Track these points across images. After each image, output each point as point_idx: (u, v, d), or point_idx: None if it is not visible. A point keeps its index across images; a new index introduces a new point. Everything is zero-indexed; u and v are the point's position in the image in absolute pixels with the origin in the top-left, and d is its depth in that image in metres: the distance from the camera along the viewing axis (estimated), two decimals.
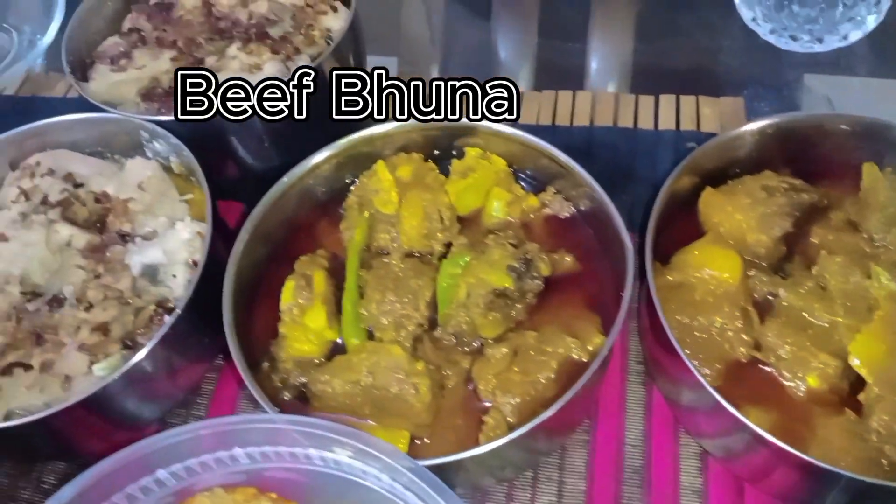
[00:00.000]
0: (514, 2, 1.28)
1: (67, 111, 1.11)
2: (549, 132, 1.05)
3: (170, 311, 0.82)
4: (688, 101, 1.08)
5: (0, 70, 1.19)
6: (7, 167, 0.95)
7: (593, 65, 1.21)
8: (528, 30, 1.25)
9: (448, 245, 0.84)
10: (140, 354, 0.73)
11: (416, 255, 0.84)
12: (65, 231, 0.85)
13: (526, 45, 1.25)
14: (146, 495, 0.65)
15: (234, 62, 1.00)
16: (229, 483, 0.67)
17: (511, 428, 0.69)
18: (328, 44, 1.05)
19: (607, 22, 1.25)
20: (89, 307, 0.81)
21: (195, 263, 0.83)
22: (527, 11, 1.27)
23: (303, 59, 1.01)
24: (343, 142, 0.88)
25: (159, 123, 0.90)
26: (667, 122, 1.07)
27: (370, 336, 0.79)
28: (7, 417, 0.75)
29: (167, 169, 0.94)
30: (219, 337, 0.75)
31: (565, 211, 0.86)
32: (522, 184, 0.89)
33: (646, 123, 1.07)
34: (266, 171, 0.99)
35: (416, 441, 0.72)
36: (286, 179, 0.85)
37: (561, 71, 1.19)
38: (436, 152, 0.91)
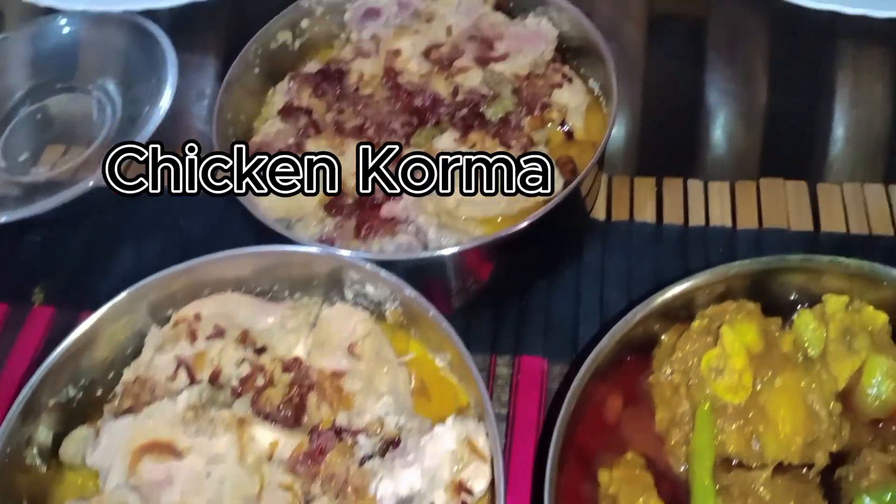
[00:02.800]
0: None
1: (197, 210, 0.88)
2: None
3: None
4: None
5: (93, 151, 0.93)
6: (147, 316, 0.70)
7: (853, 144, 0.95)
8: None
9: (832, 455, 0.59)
10: None
11: (787, 468, 0.59)
12: (265, 436, 0.60)
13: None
14: None
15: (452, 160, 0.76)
16: None
17: None
18: (563, 128, 0.81)
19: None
20: None
21: (462, 487, 0.58)
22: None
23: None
24: (659, 298, 0.63)
25: (383, 264, 0.65)
26: None
27: None
28: None
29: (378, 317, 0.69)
30: None
31: None
32: None
33: None
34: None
35: None
36: (608, 338, 0.60)
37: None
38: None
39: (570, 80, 0.81)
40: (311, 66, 0.86)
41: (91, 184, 0.87)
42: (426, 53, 0.86)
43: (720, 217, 0.83)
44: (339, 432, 0.62)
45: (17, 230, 0.88)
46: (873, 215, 0.82)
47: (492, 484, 0.59)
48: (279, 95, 0.85)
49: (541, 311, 0.77)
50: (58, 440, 0.65)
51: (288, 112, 0.81)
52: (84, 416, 0.66)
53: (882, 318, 0.64)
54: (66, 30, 1.02)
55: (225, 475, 0.58)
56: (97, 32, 1.03)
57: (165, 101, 0.93)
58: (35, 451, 0.63)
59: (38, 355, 0.78)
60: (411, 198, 0.72)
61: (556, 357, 0.74)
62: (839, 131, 0.92)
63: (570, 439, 0.61)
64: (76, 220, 0.88)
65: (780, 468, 0.59)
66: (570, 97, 0.80)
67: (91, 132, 0.97)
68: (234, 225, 0.84)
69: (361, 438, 0.62)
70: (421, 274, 0.69)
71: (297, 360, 0.66)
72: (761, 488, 0.57)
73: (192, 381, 0.64)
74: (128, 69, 1.00)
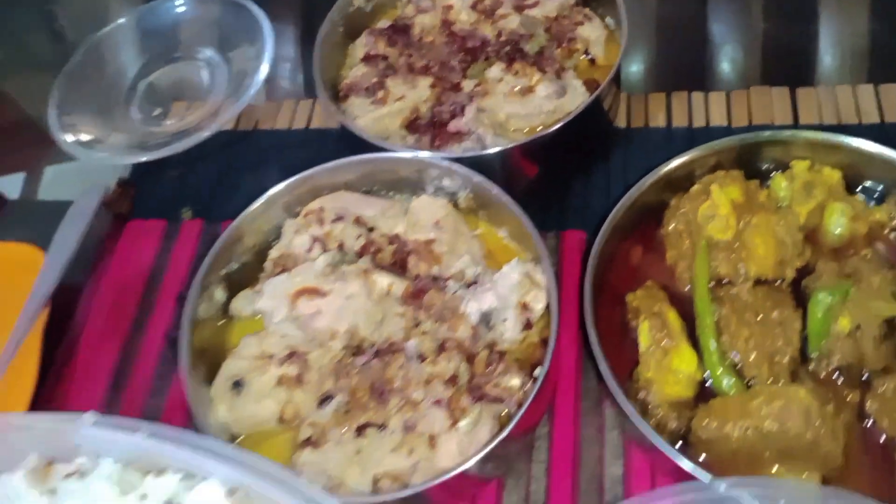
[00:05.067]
0: None
1: (299, 142, 1.14)
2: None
3: (501, 355, 0.83)
4: None
5: (210, 105, 1.20)
6: (282, 212, 0.96)
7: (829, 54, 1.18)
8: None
9: (798, 270, 0.83)
10: (521, 410, 0.74)
11: (765, 282, 0.83)
12: (383, 280, 0.86)
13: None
14: None
15: (501, 85, 1.00)
16: None
17: None
18: (587, 56, 1.05)
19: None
20: (424, 358, 0.82)
21: (526, 307, 0.84)
22: None
23: (571, 77, 1.00)
24: (664, 168, 0.87)
25: (456, 161, 0.90)
26: None
27: (740, 374, 0.78)
28: (375, 483, 0.76)
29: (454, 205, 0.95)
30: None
31: None
32: (861, 196, 0.88)
33: None
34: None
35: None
36: (626, 199, 0.86)
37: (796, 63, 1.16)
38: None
39: (589, 19, 1.05)
40: (383, 23, 1.12)
41: (207, 133, 1.13)
42: (473, 6, 1.11)
43: (719, 119, 1.06)
44: (434, 279, 0.88)
45: (160, 167, 1.15)
46: (843, 110, 1.04)
47: (547, 308, 0.84)
48: (359, 48, 1.11)
49: (578, 202, 1.02)
50: (227, 302, 0.92)
51: (369, 59, 1.07)
52: (245, 284, 0.94)
53: (837, 174, 0.87)
54: (176, 10, 1.29)
55: (359, 307, 0.84)
56: (199, 9, 1.29)
57: (265, 63, 1.19)
58: (213, 309, 0.90)
59: (195, 256, 1.06)
60: (471, 113, 0.97)
61: (592, 231, 0.99)
62: (816, 49, 1.14)
63: (604, 281, 0.86)
64: (206, 156, 1.15)
65: (759, 283, 0.83)
66: (591, 32, 1.04)
67: (204, 92, 1.23)
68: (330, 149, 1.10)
69: (450, 283, 0.88)
70: (482, 168, 0.93)
71: (397, 236, 0.92)
72: (745, 295, 0.81)
73: (325, 250, 0.91)
74: (227, 38, 1.26)
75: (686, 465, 0.69)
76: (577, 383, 0.89)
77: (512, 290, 0.83)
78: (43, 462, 0.73)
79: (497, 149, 0.93)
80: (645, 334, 0.79)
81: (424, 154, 0.93)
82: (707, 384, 0.79)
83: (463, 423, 0.77)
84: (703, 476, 0.68)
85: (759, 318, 0.79)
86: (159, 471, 0.68)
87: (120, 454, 0.70)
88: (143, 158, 1.13)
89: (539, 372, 0.77)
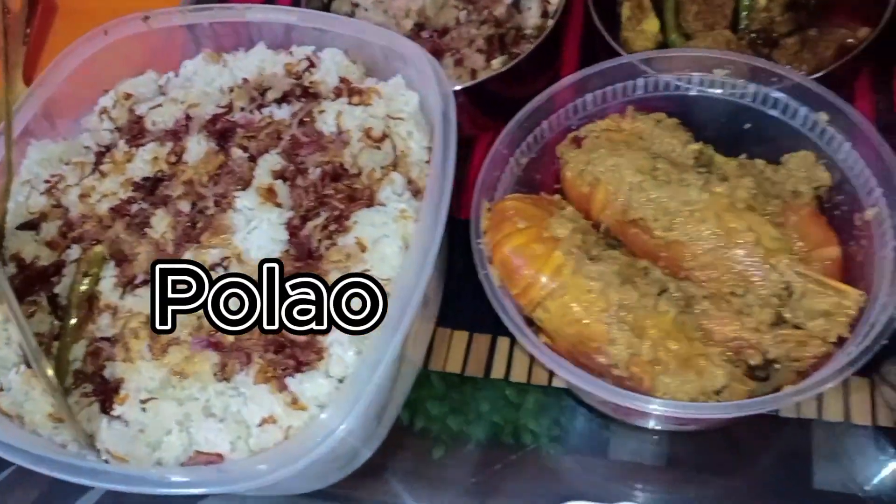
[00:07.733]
0: None
1: None
2: None
3: (524, 35, 1.19)
4: None
5: None
6: None
7: None
8: None
9: None
10: (521, 57, 1.11)
11: None
12: None
13: None
14: None
15: None
16: None
17: None
18: None
19: None
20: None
21: None
22: None
23: None
24: None
25: None
26: None
27: (687, 37, 1.15)
28: None
29: None
30: None
31: None
32: None
33: None
34: None
35: None
36: None
37: None
38: None
39: None
40: None
41: None
42: None
43: None
44: None
45: None
46: None
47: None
48: None
49: None
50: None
51: None
52: None
53: None
54: None
55: None
56: None
57: None
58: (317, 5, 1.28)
59: None
60: None
61: None
62: None
63: None
64: None
65: None
66: None
67: None
68: None
69: None
70: None
71: None
72: None
73: None
74: None
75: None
76: (579, 52, 1.27)
77: None
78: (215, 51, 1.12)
79: None
80: (626, 9, 1.16)
81: None
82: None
83: (495, 62, 1.15)
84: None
85: (705, 3, 1.15)
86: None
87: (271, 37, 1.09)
88: None
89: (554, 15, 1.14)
